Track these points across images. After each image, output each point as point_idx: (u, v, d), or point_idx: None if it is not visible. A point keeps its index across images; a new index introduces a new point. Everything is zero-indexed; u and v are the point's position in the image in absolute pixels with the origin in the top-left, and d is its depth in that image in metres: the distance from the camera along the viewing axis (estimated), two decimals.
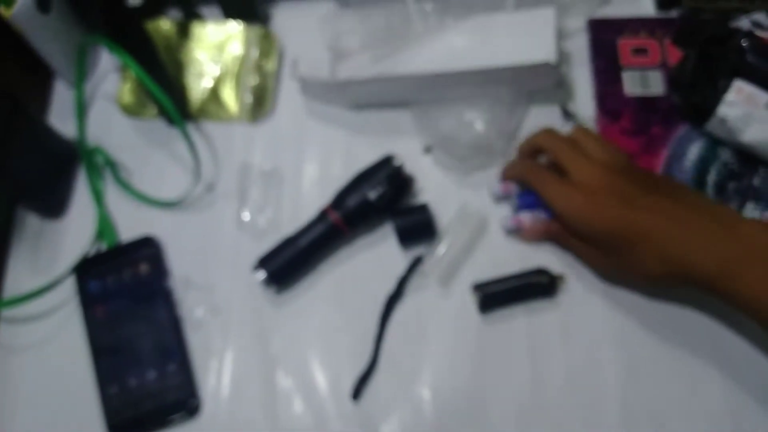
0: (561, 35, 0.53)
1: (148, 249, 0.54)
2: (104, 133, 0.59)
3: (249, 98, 0.59)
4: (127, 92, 0.60)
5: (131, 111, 0.60)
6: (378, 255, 0.53)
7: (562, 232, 0.50)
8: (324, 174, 0.56)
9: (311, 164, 0.57)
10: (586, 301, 0.50)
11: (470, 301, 0.51)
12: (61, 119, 0.59)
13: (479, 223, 0.52)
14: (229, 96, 0.59)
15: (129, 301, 0.52)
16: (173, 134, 0.58)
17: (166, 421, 0.49)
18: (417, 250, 0.53)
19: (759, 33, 0.50)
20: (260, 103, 0.59)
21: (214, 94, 0.59)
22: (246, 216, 0.55)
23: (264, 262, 0.51)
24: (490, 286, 0.50)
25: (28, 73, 0.60)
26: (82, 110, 0.59)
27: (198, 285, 0.53)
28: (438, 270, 0.51)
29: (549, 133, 0.51)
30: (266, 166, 0.57)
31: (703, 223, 0.43)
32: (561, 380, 0.48)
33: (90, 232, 0.55)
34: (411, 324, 0.51)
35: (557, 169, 0.49)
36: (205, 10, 0.62)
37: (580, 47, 0.58)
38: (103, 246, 0.55)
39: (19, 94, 0.52)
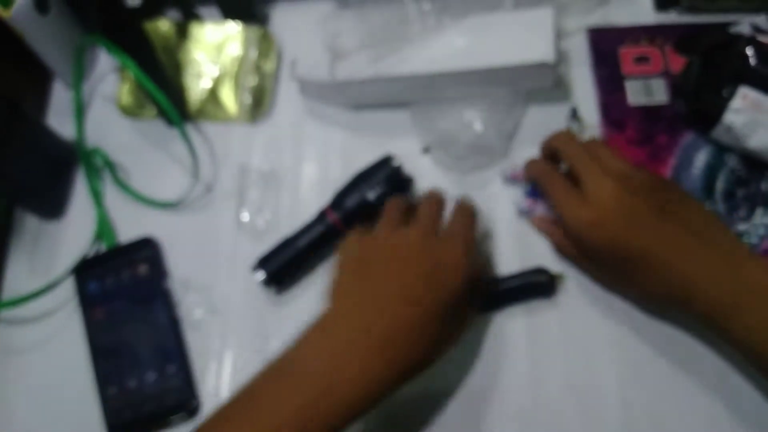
0: (559, 35, 0.53)
1: (147, 250, 0.54)
2: (103, 134, 0.59)
3: (248, 99, 0.59)
4: (125, 93, 0.60)
5: (130, 112, 0.60)
6: None
7: (565, 240, 0.50)
8: (323, 174, 0.56)
9: (310, 165, 0.57)
10: (585, 301, 0.50)
11: None
12: (59, 120, 0.59)
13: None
14: (227, 96, 0.59)
15: (128, 301, 0.52)
16: (172, 135, 0.58)
17: (165, 422, 0.49)
18: None
19: (761, 38, 0.50)
20: (259, 104, 0.59)
21: (213, 94, 0.59)
22: (245, 216, 0.55)
23: (263, 263, 0.51)
24: (489, 286, 0.50)
25: (27, 74, 0.60)
26: (80, 111, 0.59)
27: (197, 286, 0.53)
28: None
29: (567, 136, 0.50)
30: (265, 166, 0.57)
31: (710, 258, 0.42)
32: (560, 380, 0.48)
33: (89, 233, 0.55)
34: None
35: (572, 176, 0.48)
36: (203, 11, 0.62)
37: (578, 47, 0.58)
38: (102, 247, 0.55)
39: (18, 95, 0.53)
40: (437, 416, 0.48)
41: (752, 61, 0.50)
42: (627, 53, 0.57)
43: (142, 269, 0.53)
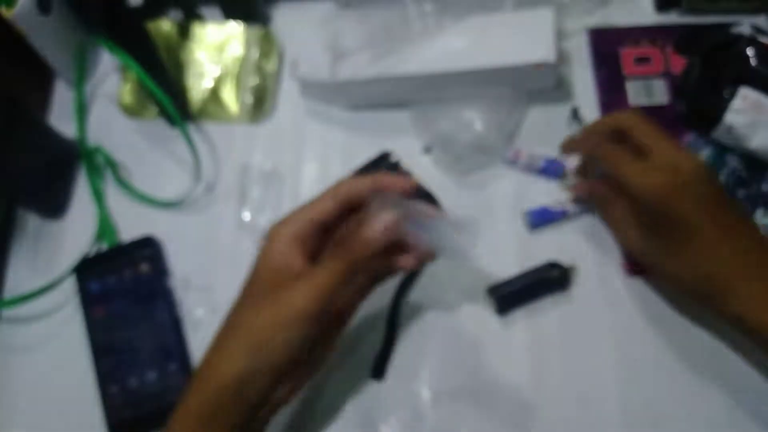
0: (560, 35, 0.53)
1: (148, 249, 0.54)
2: (105, 133, 0.59)
3: (249, 99, 0.59)
4: (127, 93, 0.60)
5: (132, 111, 0.60)
6: None
7: (609, 198, 0.49)
8: (324, 174, 0.57)
9: (311, 164, 0.57)
10: (585, 301, 0.50)
11: (469, 301, 0.51)
12: (61, 119, 0.59)
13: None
14: (229, 96, 0.59)
15: (129, 301, 0.52)
16: (173, 134, 0.58)
17: (166, 421, 0.49)
18: None
19: (761, 38, 0.50)
20: (260, 104, 0.59)
21: (215, 94, 0.59)
22: (246, 216, 0.55)
23: None
24: (504, 287, 0.50)
25: (29, 73, 0.60)
26: (82, 110, 0.59)
27: (198, 285, 0.53)
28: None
29: (636, 112, 0.47)
30: (266, 166, 0.57)
31: (754, 256, 0.43)
32: (562, 378, 0.48)
33: (90, 232, 0.55)
34: (411, 323, 0.51)
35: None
36: (205, 11, 0.62)
37: (579, 47, 0.58)
38: (104, 246, 0.55)
39: (20, 94, 0.53)
40: (437, 416, 0.48)
41: (753, 61, 0.50)
42: (628, 54, 0.58)
43: (144, 268, 0.53)
